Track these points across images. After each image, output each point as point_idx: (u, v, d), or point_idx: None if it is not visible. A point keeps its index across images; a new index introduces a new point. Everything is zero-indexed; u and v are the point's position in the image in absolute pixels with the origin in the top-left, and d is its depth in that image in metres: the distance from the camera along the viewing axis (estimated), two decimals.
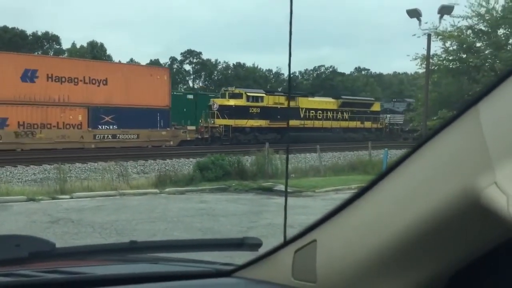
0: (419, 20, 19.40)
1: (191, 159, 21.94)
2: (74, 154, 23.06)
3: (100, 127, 27.49)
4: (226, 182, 15.35)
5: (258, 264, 1.15)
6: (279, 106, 33.63)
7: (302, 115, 35.51)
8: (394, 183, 0.86)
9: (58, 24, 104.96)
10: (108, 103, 27.43)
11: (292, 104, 34.19)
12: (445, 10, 19.15)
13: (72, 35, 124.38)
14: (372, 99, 44.80)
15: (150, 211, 10.71)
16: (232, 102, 32.02)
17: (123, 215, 10.09)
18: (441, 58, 22.97)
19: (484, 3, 21.01)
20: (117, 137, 27.63)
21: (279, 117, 33.15)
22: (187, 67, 78.69)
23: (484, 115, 0.72)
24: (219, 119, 31.24)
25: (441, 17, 19.34)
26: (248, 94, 33.24)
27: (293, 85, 73.25)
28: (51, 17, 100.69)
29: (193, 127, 31.23)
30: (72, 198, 12.43)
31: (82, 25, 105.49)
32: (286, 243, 1.09)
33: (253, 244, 1.26)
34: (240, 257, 1.34)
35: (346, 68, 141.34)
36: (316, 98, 38.26)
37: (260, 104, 32.91)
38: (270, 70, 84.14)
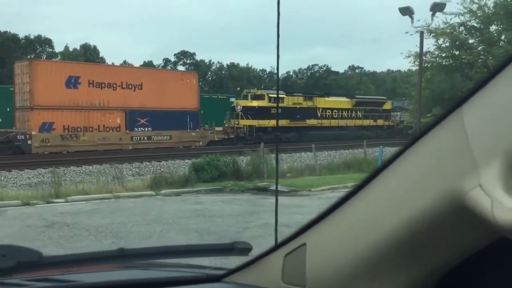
0: (412, 17, 19.48)
1: (186, 160, 21.92)
2: (70, 157, 23.05)
3: (136, 129, 28.99)
4: (222, 182, 15.33)
5: (249, 268, 1.15)
6: (298, 106, 35.57)
7: (319, 115, 37.34)
8: (382, 185, 0.86)
9: (51, 26, 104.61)
10: (143, 107, 28.99)
11: (310, 104, 36.79)
12: (437, 7, 19.22)
13: (64, 38, 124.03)
14: (384, 97, 46.56)
15: (145, 213, 10.67)
16: (255, 103, 33.50)
17: (119, 218, 10.06)
18: (434, 55, 23.04)
19: (476, 0, 21.11)
20: (152, 139, 29.27)
21: (298, 116, 35.08)
22: (181, 68, 78.58)
23: (468, 117, 0.72)
24: (243, 119, 32.67)
25: (433, 15, 19.42)
26: (270, 95, 34.47)
27: (287, 84, 73.51)
28: (43, 20, 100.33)
29: (220, 128, 32.89)
30: (67, 201, 12.38)
31: (75, 27, 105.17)
32: (276, 247, 1.09)
33: (243, 249, 1.25)
34: (237, 258, 1.33)
35: (340, 66, 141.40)
36: (332, 98, 39.76)
37: (280, 104, 34.26)
38: (264, 70, 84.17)
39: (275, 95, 34.84)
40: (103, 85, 27.71)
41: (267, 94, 34.61)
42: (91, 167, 19.95)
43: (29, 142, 24.86)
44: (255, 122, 32.73)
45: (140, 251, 1.37)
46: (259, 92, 35.19)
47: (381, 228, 0.84)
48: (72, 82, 26.66)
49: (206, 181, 15.59)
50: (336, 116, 38.73)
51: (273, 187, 14.18)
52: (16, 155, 23.79)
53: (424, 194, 0.77)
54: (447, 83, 22.37)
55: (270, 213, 9.92)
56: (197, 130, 31.41)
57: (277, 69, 1.22)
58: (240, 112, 32.66)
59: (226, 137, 32.11)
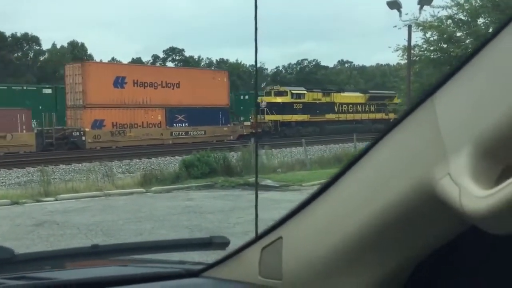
0: (400, 11, 19.54)
1: (176, 157, 21.86)
2: (59, 156, 22.92)
3: (175, 125, 31.25)
4: (213, 178, 15.29)
5: (227, 262, 1.14)
6: (317, 101, 37.87)
7: (336, 109, 39.46)
8: (356, 177, 0.86)
9: (37, 24, 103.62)
10: (181, 104, 31.12)
11: (328, 99, 39.19)
12: (425, 1, 19.28)
13: (52, 35, 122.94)
14: (394, 92, 47.41)
15: (136, 211, 10.63)
16: (279, 99, 35.48)
17: (109, 216, 10.02)
18: (422, 49, 23.11)
19: None
20: (189, 134, 31.64)
21: (318, 111, 37.29)
22: (170, 64, 78.19)
23: (439, 105, 0.72)
24: (268, 115, 34.42)
25: (421, 8, 19.48)
26: (292, 91, 36.62)
27: (277, 79, 73.53)
28: (29, 18, 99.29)
29: (248, 123, 35.05)
30: (56, 200, 12.30)
31: (62, 25, 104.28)
32: (254, 240, 1.08)
33: (221, 243, 1.24)
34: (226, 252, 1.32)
35: (329, 61, 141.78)
36: (347, 93, 41.99)
37: (302, 100, 36.45)
38: (253, 65, 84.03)
39: (298, 91, 36.92)
40: (145, 84, 29.75)
41: (290, 90, 36.62)
42: (80, 165, 19.84)
43: (83, 138, 26.85)
44: (279, 117, 34.59)
45: (115, 247, 1.35)
46: (282, 89, 37.21)
47: (356, 220, 0.83)
48: (119, 82, 28.67)
49: (197, 177, 15.54)
50: (351, 111, 40.72)
51: (264, 182, 14.19)
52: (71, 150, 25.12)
53: (397, 184, 0.76)
54: (436, 76, 22.45)
55: (261, 208, 9.91)
56: (229, 125, 33.89)
57: (255, 62, 1.21)
58: (265, 108, 34.21)
59: (253, 131, 33.82)
